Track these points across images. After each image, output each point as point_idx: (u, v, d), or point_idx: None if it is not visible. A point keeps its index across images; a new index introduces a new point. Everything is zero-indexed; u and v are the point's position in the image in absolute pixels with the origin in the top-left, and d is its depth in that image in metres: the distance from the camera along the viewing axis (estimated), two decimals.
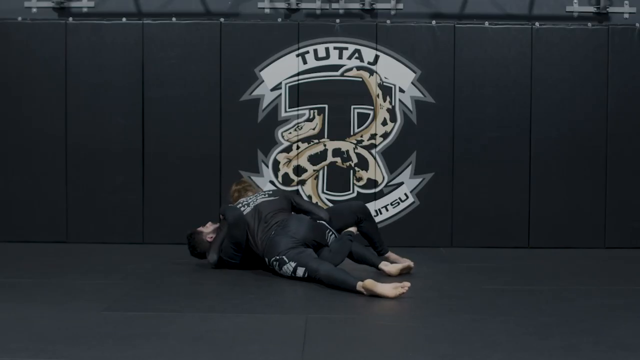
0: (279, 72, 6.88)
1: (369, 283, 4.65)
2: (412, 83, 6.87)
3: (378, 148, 6.89)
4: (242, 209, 5.56)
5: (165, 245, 6.66)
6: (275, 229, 5.33)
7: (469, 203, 6.87)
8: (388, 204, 6.89)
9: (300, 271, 5.07)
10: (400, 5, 7.11)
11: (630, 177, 6.87)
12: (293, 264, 5.10)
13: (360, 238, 5.75)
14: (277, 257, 5.18)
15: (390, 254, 5.74)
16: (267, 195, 5.65)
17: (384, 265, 5.37)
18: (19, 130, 6.88)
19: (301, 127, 6.90)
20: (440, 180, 6.87)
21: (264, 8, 7.13)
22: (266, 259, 5.31)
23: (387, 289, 4.60)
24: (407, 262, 5.52)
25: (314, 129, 6.90)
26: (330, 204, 6.65)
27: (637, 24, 6.90)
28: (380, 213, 6.88)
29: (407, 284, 4.63)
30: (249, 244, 5.45)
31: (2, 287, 4.81)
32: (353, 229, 5.60)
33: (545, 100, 6.86)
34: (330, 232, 5.40)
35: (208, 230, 5.65)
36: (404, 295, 4.61)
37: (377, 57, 6.87)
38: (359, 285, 4.69)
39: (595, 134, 6.87)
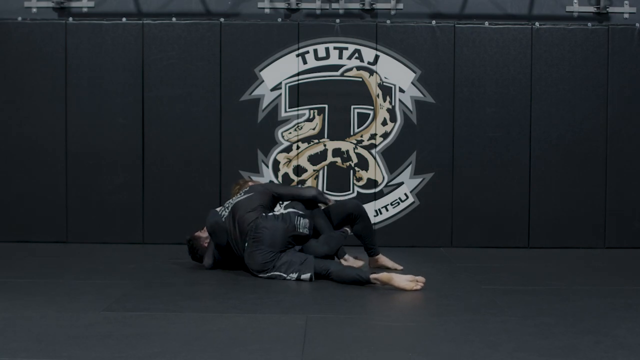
0: (279, 72, 6.88)
1: (385, 276, 4.88)
2: (412, 83, 6.88)
3: (378, 148, 6.89)
4: (224, 212, 5.55)
5: (165, 245, 6.67)
6: (249, 242, 5.25)
7: (469, 203, 6.87)
8: (388, 204, 6.89)
9: (307, 276, 5.12)
10: (400, 5, 7.11)
11: (630, 177, 6.87)
12: (295, 274, 5.13)
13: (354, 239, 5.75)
14: (272, 274, 5.18)
15: (381, 257, 5.67)
16: (242, 194, 5.57)
17: (344, 260, 5.49)
18: (19, 130, 6.88)
19: (301, 127, 6.90)
20: (440, 180, 6.87)
21: (264, 8, 7.13)
22: (252, 270, 5.28)
23: (404, 283, 4.84)
24: (396, 266, 5.58)
25: (314, 129, 6.90)
26: None
27: (637, 24, 6.90)
28: (380, 213, 6.88)
29: (422, 279, 4.89)
30: (232, 248, 5.46)
31: (2, 287, 4.81)
32: (347, 229, 5.61)
33: (545, 100, 6.86)
34: (299, 217, 5.34)
35: (205, 234, 5.64)
36: (404, 294, 4.66)
37: (377, 57, 6.87)
38: (373, 277, 4.90)
39: (595, 134, 6.87)
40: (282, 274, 5.16)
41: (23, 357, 3.31)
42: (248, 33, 6.88)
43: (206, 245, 5.61)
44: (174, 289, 4.88)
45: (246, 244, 5.27)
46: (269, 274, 5.18)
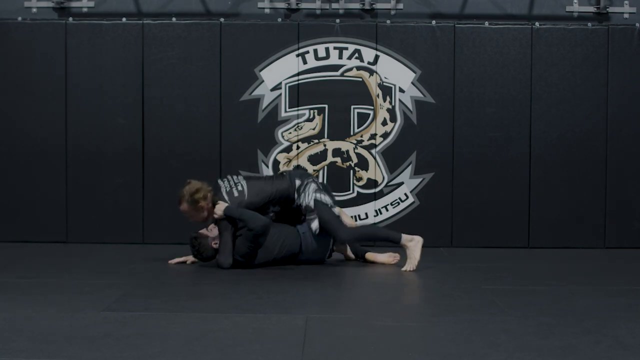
0: (279, 72, 6.88)
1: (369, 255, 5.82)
2: (412, 83, 6.88)
3: (378, 148, 6.89)
4: (230, 187, 5.70)
5: (165, 245, 6.66)
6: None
7: (469, 203, 6.87)
8: (388, 204, 6.89)
9: (336, 210, 5.72)
10: (400, 5, 7.11)
11: (630, 177, 6.87)
12: (330, 201, 5.73)
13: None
14: (316, 182, 5.80)
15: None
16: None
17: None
18: (19, 130, 6.88)
19: (301, 127, 6.90)
20: (440, 180, 6.88)
21: (264, 8, 7.13)
22: (297, 182, 5.72)
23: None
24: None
25: (314, 129, 6.90)
26: None
27: (637, 24, 6.90)
28: (380, 213, 6.88)
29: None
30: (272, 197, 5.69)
31: (2, 287, 4.81)
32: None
33: (545, 100, 6.86)
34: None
35: (214, 234, 5.61)
36: (404, 294, 4.62)
37: (377, 57, 6.87)
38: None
39: (595, 134, 6.87)
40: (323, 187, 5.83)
41: (23, 357, 3.31)
42: (248, 33, 6.88)
43: (215, 246, 5.58)
44: (174, 289, 4.88)
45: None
46: (321, 184, 5.84)
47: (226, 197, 5.63)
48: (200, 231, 5.66)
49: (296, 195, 5.71)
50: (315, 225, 5.64)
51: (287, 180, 5.76)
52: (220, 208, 5.55)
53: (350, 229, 5.73)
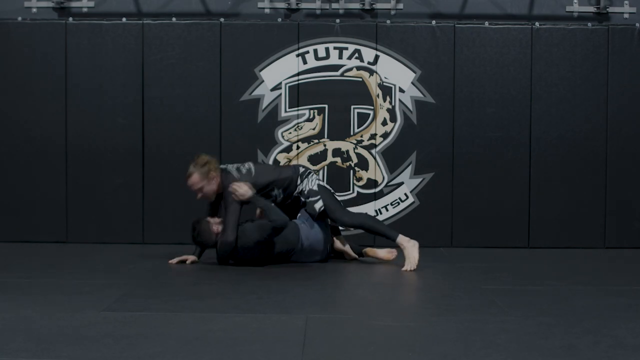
0: (279, 72, 6.88)
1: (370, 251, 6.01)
2: (412, 83, 6.88)
3: (378, 148, 6.89)
4: (239, 167, 5.81)
5: (165, 245, 6.66)
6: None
7: (469, 203, 6.87)
8: (388, 204, 6.89)
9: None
10: (400, 5, 7.11)
11: (630, 177, 6.87)
12: (329, 189, 5.94)
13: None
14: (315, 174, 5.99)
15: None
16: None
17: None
18: (19, 130, 6.88)
19: (301, 127, 6.90)
20: (440, 180, 6.88)
21: (264, 8, 7.13)
22: (301, 169, 5.95)
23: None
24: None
25: (314, 129, 6.90)
26: None
27: (637, 24, 6.90)
28: (380, 213, 6.88)
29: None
30: (276, 183, 5.84)
31: (2, 287, 4.81)
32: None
33: (545, 100, 6.86)
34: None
35: (216, 221, 5.67)
36: (404, 294, 4.62)
37: (377, 57, 6.87)
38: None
39: (595, 134, 6.87)
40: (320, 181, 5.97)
41: (23, 357, 3.31)
42: (248, 33, 6.88)
43: (215, 230, 5.59)
44: (174, 289, 4.88)
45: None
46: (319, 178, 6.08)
47: (236, 174, 5.72)
48: (207, 218, 5.70)
49: (299, 181, 5.87)
50: (319, 205, 5.76)
51: (291, 168, 6.00)
52: (246, 190, 5.60)
53: (351, 213, 5.96)
